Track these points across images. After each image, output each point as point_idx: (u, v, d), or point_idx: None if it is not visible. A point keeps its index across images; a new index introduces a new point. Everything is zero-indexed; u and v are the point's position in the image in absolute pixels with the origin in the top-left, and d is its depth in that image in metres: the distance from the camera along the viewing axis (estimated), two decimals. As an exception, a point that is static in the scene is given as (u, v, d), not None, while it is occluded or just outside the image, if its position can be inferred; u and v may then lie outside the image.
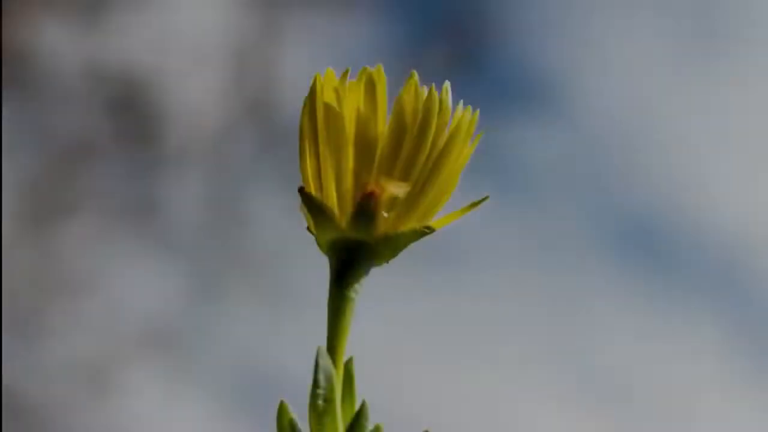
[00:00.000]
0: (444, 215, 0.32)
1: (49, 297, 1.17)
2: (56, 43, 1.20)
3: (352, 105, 0.31)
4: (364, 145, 0.31)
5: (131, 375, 1.16)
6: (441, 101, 0.32)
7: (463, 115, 0.32)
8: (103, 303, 1.18)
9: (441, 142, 0.31)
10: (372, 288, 0.32)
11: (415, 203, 0.31)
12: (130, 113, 1.21)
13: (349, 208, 0.31)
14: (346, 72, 0.31)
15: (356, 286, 0.31)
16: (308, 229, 0.32)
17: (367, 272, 0.31)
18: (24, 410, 1.14)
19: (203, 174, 1.20)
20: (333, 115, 0.31)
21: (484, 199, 0.33)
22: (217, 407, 1.17)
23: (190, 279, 1.20)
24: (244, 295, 1.18)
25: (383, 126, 0.31)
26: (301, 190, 0.31)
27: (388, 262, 0.33)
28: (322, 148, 0.31)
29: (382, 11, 1.23)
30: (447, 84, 0.32)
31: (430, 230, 0.31)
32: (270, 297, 1.16)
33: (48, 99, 1.20)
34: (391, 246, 0.31)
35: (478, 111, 0.32)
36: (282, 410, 0.30)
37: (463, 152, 0.32)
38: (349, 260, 0.31)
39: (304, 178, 0.32)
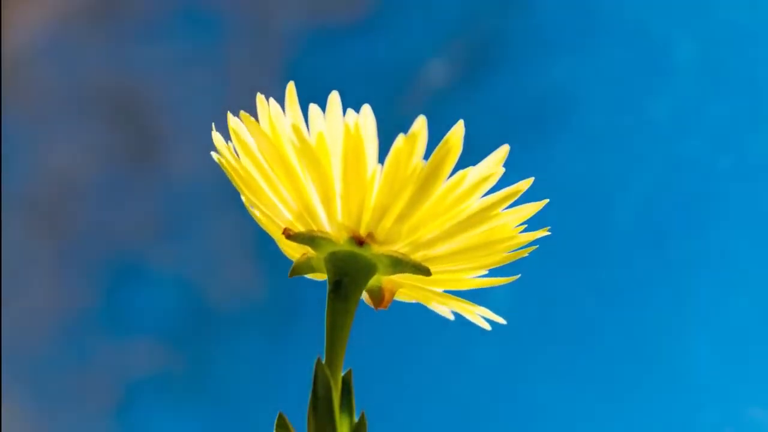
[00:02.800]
0: (461, 280, 0.32)
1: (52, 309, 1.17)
2: (57, 55, 1.20)
3: (334, 138, 0.30)
4: (353, 178, 0.29)
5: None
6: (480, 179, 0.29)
7: (512, 192, 0.30)
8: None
9: (457, 206, 0.30)
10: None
11: (417, 244, 0.30)
12: (133, 127, 1.21)
13: (343, 229, 0.30)
14: (291, 91, 0.30)
15: (354, 298, 0.31)
16: (294, 272, 0.32)
17: (365, 285, 0.31)
18: None
19: (204, 191, 1.20)
20: (312, 150, 0.29)
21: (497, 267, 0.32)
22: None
23: (191, 294, 1.20)
24: (247, 309, 1.17)
25: (373, 164, 0.30)
26: (288, 235, 0.31)
27: (376, 308, 0.32)
28: (301, 179, 0.30)
29: (382, 26, 1.23)
30: (506, 148, 0.30)
31: (425, 271, 0.30)
32: (271, 310, 1.16)
33: (49, 112, 1.20)
34: (388, 262, 0.31)
35: (546, 202, 0.30)
36: (280, 422, 0.30)
37: (499, 226, 0.30)
38: (347, 273, 0.31)
39: (276, 214, 0.31)
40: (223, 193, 1.17)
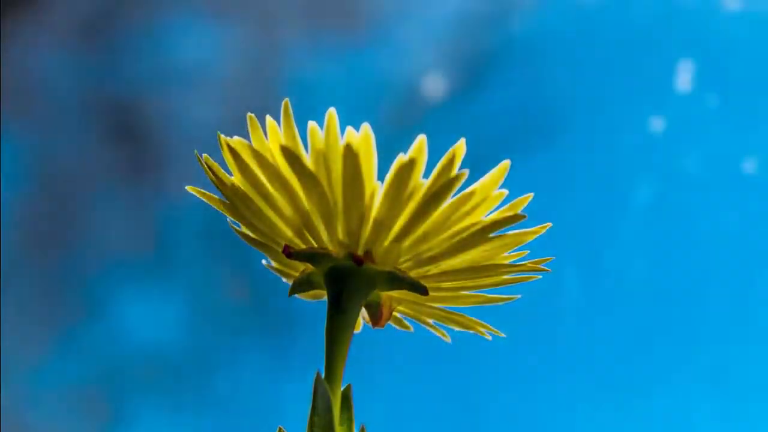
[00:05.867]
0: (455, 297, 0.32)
1: (49, 324, 1.17)
2: (54, 69, 1.20)
3: (332, 157, 0.29)
4: (352, 197, 0.29)
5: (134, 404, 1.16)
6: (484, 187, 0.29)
7: (510, 210, 0.30)
8: (104, 331, 1.18)
9: (457, 225, 0.29)
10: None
11: (416, 263, 0.30)
12: (127, 140, 1.21)
13: (342, 247, 0.30)
14: (287, 108, 0.30)
15: (353, 312, 0.31)
16: (293, 290, 0.31)
17: (365, 298, 0.31)
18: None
19: (203, 203, 1.20)
20: (309, 171, 0.29)
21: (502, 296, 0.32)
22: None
23: (190, 309, 1.19)
24: (245, 324, 1.17)
25: (372, 183, 0.29)
26: (288, 254, 0.30)
27: (374, 326, 0.32)
28: (301, 199, 0.30)
29: (381, 39, 1.23)
30: (506, 164, 0.29)
31: (422, 290, 0.30)
32: (270, 324, 1.16)
33: (46, 125, 1.20)
34: (386, 277, 0.30)
35: (548, 226, 0.30)
36: (280, 437, 0.30)
37: (497, 249, 0.30)
38: (347, 286, 0.31)
39: (275, 232, 0.31)
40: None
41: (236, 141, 0.30)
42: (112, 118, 1.22)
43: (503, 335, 0.32)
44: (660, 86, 1.13)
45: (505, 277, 0.31)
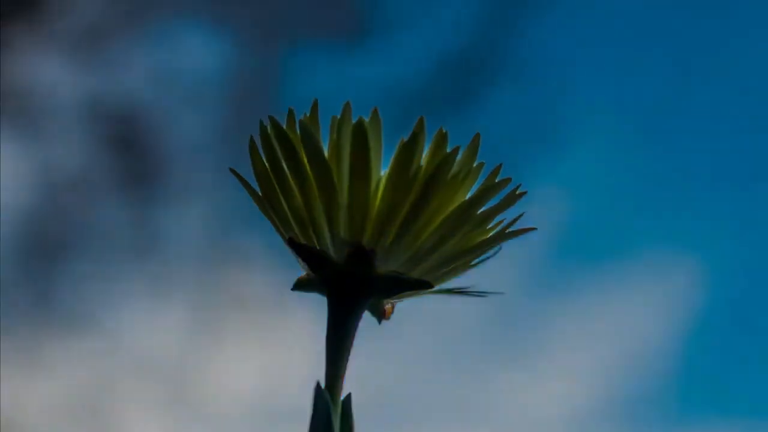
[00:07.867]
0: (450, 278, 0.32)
1: (47, 332, 1.17)
2: (55, 80, 1.20)
3: (344, 145, 0.30)
4: (358, 189, 0.30)
5: (128, 410, 1.16)
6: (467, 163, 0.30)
7: (491, 184, 0.30)
8: (101, 340, 1.18)
9: (450, 207, 0.30)
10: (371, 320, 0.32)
11: (416, 257, 0.30)
12: (129, 150, 1.21)
13: (345, 246, 0.30)
14: (315, 105, 0.31)
15: (354, 321, 0.31)
16: (296, 286, 0.32)
17: (365, 307, 0.31)
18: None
19: (202, 211, 1.20)
20: (321, 161, 0.30)
21: (496, 293, 0.32)
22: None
23: (187, 317, 1.19)
24: (243, 333, 1.17)
25: (378, 170, 0.30)
26: (291, 242, 0.31)
27: (380, 321, 0.32)
28: (309, 190, 0.30)
29: (387, 45, 1.23)
30: (477, 136, 0.30)
31: (427, 286, 0.30)
32: (268, 334, 1.16)
33: (47, 136, 1.20)
34: (389, 284, 0.30)
35: (520, 186, 0.31)
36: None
37: (482, 221, 0.30)
38: (348, 296, 0.30)
39: (284, 222, 0.31)
40: (221, 215, 1.17)
41: (269, 120, 0.31)
42: (113, 126, 1.22)
43: (503, 293, 0.32)
44: None
45: (491, 245, 0.31)
